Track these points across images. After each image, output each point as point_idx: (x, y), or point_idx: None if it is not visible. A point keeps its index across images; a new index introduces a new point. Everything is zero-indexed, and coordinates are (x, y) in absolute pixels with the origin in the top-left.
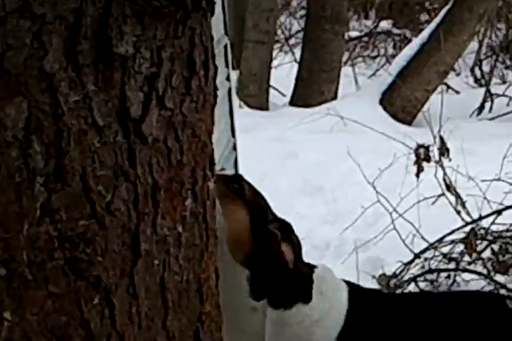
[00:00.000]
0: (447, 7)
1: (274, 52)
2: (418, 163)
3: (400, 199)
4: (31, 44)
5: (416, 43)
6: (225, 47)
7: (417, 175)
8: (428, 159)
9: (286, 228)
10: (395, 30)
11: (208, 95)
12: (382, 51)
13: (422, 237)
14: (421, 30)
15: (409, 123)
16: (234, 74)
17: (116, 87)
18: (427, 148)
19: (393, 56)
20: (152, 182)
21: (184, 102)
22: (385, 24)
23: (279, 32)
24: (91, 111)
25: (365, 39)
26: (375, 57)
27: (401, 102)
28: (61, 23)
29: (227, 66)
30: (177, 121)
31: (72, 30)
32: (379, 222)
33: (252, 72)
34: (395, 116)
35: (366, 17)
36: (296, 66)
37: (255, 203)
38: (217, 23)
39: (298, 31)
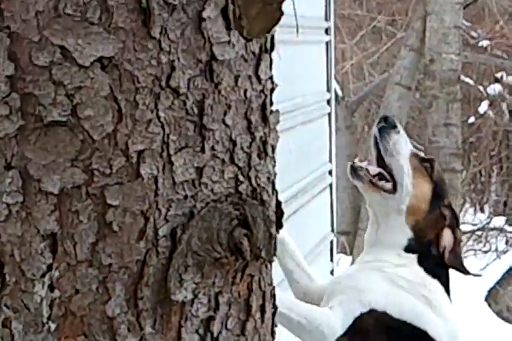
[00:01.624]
0: None
1: None
2: None
3: None
4: (96, 290)
5: None
6: (331, 242)
7: None
8: None
9: (455, 218)
10: (508, 228)
11: (263, 335)
12: (493, 246)
13: None
14: None
15: None
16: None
17: (173, 330)
18: None
19: (504, 252)
20: None
21: None
22: (497, 221)
23: None
24: None
25: (478, 233)
26: (486, 252)
27: (506, 302)
28: (125, 272)
29: (331, 260)
30: None
31: (134, 278)
32: None
33: None
34: (498, 314)
35: (482, 210)
36: None
37: (439, 185)
38: (324, 222)
39: None
